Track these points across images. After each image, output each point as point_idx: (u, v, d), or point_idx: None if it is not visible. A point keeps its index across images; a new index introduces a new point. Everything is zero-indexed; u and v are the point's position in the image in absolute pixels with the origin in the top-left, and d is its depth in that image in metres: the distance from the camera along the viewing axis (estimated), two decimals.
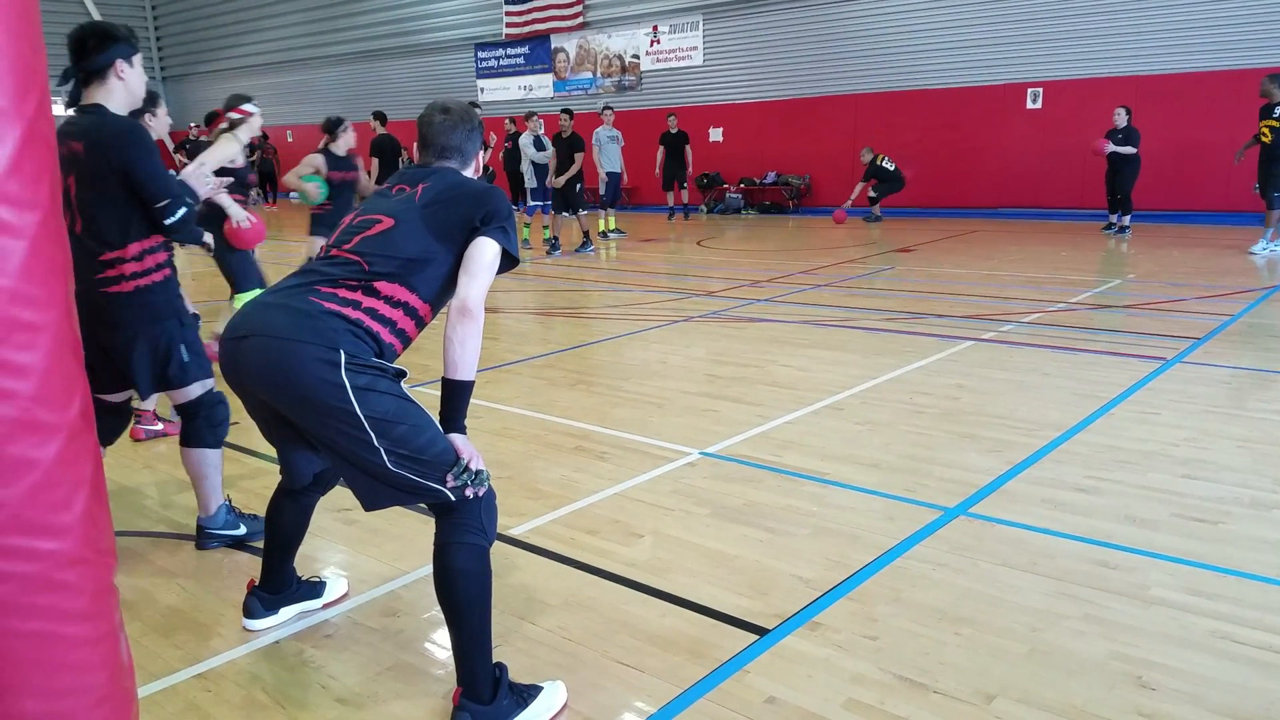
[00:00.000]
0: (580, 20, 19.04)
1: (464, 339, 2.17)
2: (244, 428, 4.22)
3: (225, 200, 5.04)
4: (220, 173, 4.45)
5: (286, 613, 2.78)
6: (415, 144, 2.52)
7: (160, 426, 4.66)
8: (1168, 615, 2.65)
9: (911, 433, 4.35)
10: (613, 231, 13.88)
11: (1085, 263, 9.76)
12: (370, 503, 2.23)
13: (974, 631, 2.60)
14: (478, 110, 9.01)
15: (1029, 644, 2.53)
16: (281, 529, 2.67)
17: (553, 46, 19.84)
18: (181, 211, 2.98)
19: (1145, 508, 3.39)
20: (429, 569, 2.91)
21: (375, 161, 12.15)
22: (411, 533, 3.37)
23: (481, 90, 21.13)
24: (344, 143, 6.79)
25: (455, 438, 2.22)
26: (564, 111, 12.32)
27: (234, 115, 5.05)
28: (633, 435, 4.42)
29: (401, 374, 2.21)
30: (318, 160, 6.73)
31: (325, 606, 2.85)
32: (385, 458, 2.09)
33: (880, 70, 15.67)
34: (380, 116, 12.63)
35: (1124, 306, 7.21)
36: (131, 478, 4.10)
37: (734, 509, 3.51)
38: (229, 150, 4.78)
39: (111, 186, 2.88)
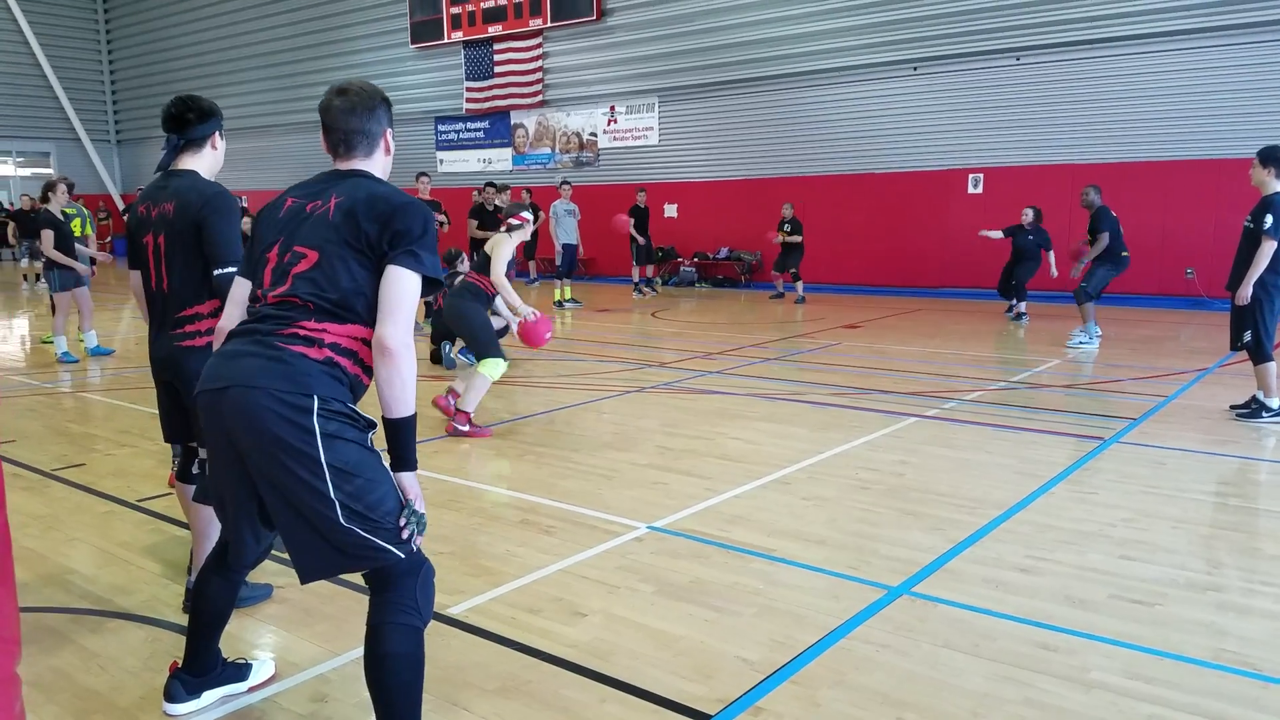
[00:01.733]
0: (540, 98, 19.45)
1: (390, 379, 2.12)
2: None
3: (513, 299, 5.82)
4: None
5: (209, 696, 2.65)
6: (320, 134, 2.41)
7: None
8: (1107, 700, 2.65)
9: (857, 509, 4.37)
10: (568, 301, 13.95)
11: (1025, 342, 10.04)
12: (308, 571, 2.20)
13: (916, 716, 2.58)
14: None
15: None
16: (209, 606, 2.56)
17: (512, 122, 20.19)
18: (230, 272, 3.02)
19: (1084, 588, 3.42)
20: (360, 652, 2.83)
21: None
22: (344, 612, 3.26)
23: (441, 161, 21.36)
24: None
25: (404, 477, 2.22)
26: (489, 185, 12.65)
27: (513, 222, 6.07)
28: (580, 508, 4.37)
29: (371, 425, 2.22)
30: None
31: (251, 690, 2.73)
32: (338, 511, 2.08)
33: (829, 154, 16.21)
34: None
35: (1063, 386, 7.40)
36: (58, 550, 3.93)
37: (680, 586, 3.47)
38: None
39: (192, 246, 3.04)
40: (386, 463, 2.23)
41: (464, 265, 8.44)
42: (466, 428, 5.77)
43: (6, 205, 23.33)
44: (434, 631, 3.07)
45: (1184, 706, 2.61)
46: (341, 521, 2.09)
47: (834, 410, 6.52)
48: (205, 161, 3.21)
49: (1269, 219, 5.78)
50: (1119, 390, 7.24)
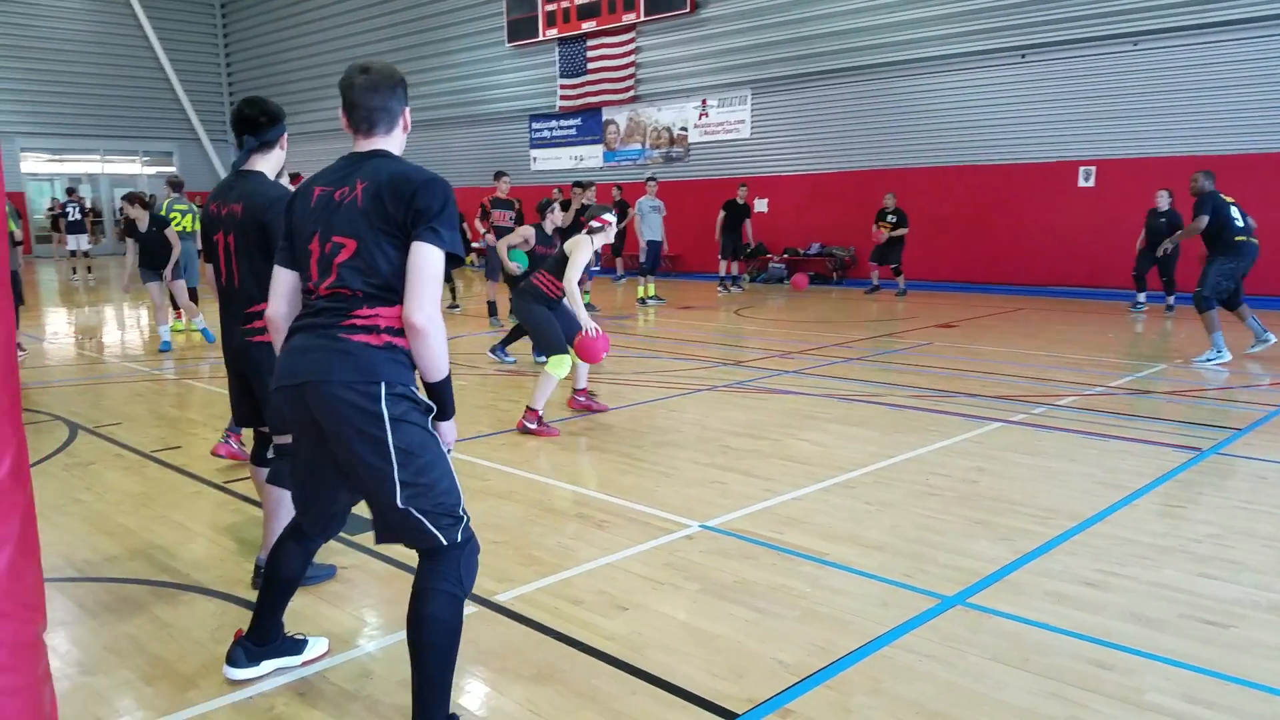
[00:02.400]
0: (632, 94, 19.57)
1: (422, 353, 2.29)
2: None
3: (580, 311, 5.77)
4: None
5: (267, 666, 2.79)
6: (341, 110, 2.47)
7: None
8: None
9: (921, 515, 4.24)
10: (651, 298, 14.00)
11: (1132, 345, 9.53)
12: (381, 535, 2.41)
13: None
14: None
15: None
16: (284, 573, 2.71)
17: (604, 118, 20.37)
18: None
19: (1154, 606, 3.24)
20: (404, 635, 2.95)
21: None
22: (399, 594, 3.35)
23: (534, 159, 21.74)
24: (550, 222, 7.95)
25: (443, 425, 2.43)
26: (577, 184, 12.81)
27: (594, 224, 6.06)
28: (635, 504, 4.39)
29: (430, 409, 2.37)
30: (529, 233, 7.73)
31: (304, 664, 2.86)
32: (399, 491, 2.26)
33: (928, 145, 15.73)
34: None
35: (1166, 393, 6.99)
36: (147, 526, 4.20)
37: (724, 586, 3.45)
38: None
39: (258, 245, 3.22)
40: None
41: (555, 214, 8.34)
42: (534, 425, 5.84)
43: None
44: (479, 616, 3.18)
45: None
46: (399, 503, 2.27)
47: (912, 413, 6.35)
48: (272, 162, 3.41)
49: None
50: (1229, 398, 6.79)
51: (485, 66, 22.42)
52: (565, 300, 6.01)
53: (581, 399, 6.47)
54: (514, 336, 8.61)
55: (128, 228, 9.41)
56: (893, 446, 5.43)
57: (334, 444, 2.32)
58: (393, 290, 2.31)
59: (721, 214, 15.18)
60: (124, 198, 10.02)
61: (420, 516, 2.28)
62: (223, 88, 31.22)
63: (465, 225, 18.41)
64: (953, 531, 4.03)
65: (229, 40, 31.12)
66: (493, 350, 8.67)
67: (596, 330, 5.80)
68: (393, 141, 2.47)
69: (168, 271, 9.45)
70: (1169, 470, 4.89)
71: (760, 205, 17.88)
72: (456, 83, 23.08)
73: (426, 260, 2.25)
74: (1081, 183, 14.27)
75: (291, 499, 2.64)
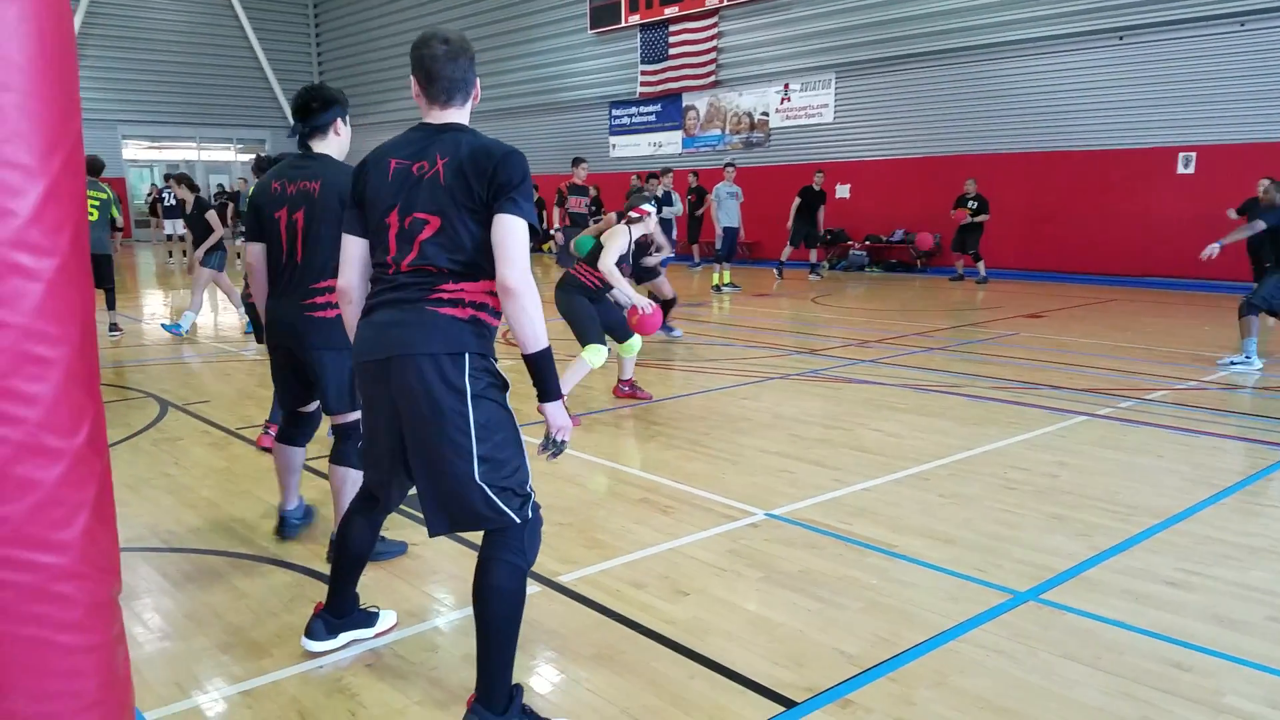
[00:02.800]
0: (713, 79, 19.43)
1: (518, 316, 2.27)
2: None
3: (626, 289, 5.90)
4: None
5: (343, 638, 2.88)
6: (414, 77, 2.42)
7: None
8: None
9: (997, 509, 4.13)
10: (727, 285, 13.92)
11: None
12: (436, 525, 2.39)
13: None
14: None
15: None
16: (355, 546, 2.77)
17: (684, 104, 20.30)
18: None
19: (1238, 608, 3.09)
20: (471, 609, 3.01)
21: None
22: (466, 572, 3.39)
23: (614, 146, 21.83)
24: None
25: (548, 407, 2.41)
26: (667, 170, 12.74)
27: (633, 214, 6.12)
28: (701, 491, 4.39)
29: (508, 385, 2.41)
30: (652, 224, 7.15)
31: (376, 636, 2.96)
32: (475, 465, 2.28)
33: (1018, 130, 15.20)
34: None
35: (1263, 388, 6.62)
36: (229, 500, 4.39)
37: (788, 575, 3.43)
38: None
39: (336, 222, 3.22)
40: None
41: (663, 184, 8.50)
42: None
43: (228, 188, 25.92)
44: (542, 595, 3.23)
45: None
46: (476, 477, 2.28)
47: (993, 405, 6.17)
48: (334, 146, 3.48)
49: None
50: None
51: (567, 54, 22.58)
52: (615, 290, 6.01)
53: (626, 388, 6.48)
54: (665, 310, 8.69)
55: (167, 208, 9.00)
56: (970, 439, 5.29)
57: (411, 420, 2.32)
58: (477, 266, 2.33)
59: (797, 200, 14.96)
60: (171, 178, 9.91)
61: (492, 494, 2.30)
62: (314, 77, 32.21)
63: (544, 212, 18.74)
64: (1029, 526, 3.91)
65: (320, 30, 32.09)
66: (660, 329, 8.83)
67: (650, 306, 5.92)
68: (465, 113, 2.46)
69: (199, 253, 9.35)
70: (1262, 469, 4.65)
71: (842, 191, 17.57)
72: (538, 70, 23.31)
73: (512, 228, 2.27)
74: (1180, 169, 13.59)
75: (364, 477, 2.68)
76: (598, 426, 5.73)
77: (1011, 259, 14.96)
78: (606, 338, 5.98)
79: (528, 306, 2.25)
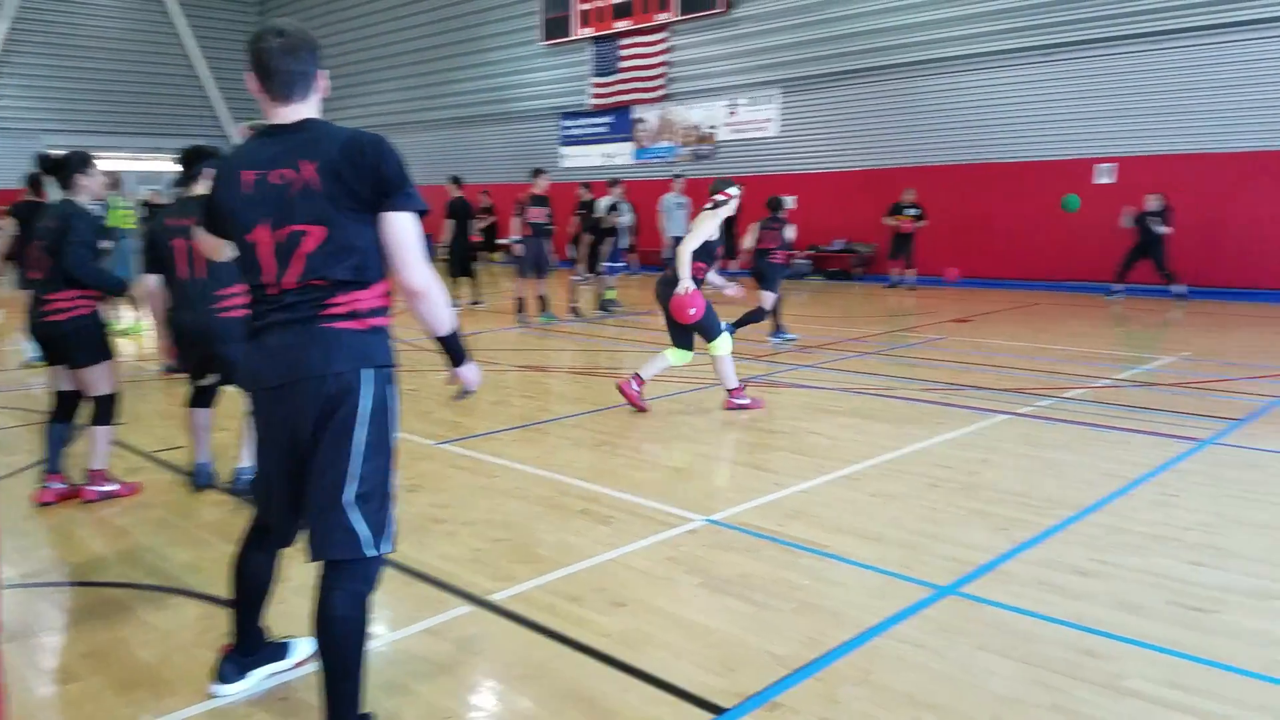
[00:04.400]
0: (663, 92, 19.68)
1: (427, 314, 2.34)
2: None
3: (683, 271, 6.09)
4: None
5: (256, 675, 2.74)
6: (252, 73, 2.30)
7: (115, 486, 4.61)
8: (1139, 708, 2.58)
9: (923, 506, 4.32)
10: None
11: (1143, 339, 9.49)
12: (315, 552, 2.31)
13: (935, 718, 2.58)
14: None
15: None
16: (252, 582, 2.64)
17: (634, 116, 20.49)
18: None
19: (1142, 594, 3.30)
20: (398, 635, 3.02)
21: (450, 223, 12.71)
22: (385, 596, 3.34)
23: (565, 156, 21.91)
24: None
25: (462, 370, 2.55)
26: (582, 185, 12.88)
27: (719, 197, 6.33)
28: (642, 499, 4.49)
29: (397, 398, 2.40)
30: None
31: (295, 667, 2.84)
32: (351, 485, 2.26)
33: (951, 143, 15.71)
34: (456, 180, 13.24)
35: (1171, 385, 6.99)
36: (141, 527, 4.20)
37: (725, 579, 3.54)
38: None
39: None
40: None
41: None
42: (746, 400, 6.37)
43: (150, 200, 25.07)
44: (471, 617, 3.23)
45: (1219, 717, 2.51)
46: (348, 497, 2.25)
47: (923, 406, 6.40)
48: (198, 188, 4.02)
49: None
50: (1230, 390, 6.77)
51: (519, 64, 22.62)
52: (710, 274, 6.38)
53: (636, 386, 6.44)
54: (751, 318, 8.90)
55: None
56: (901, 439, 5.49)
57: (309, 443, 2.27)
58: (367, 269, 2.26)
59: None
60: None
61: (357, 520, 2.25)
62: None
63: (493, 220, 18.64)
64: (952, 522, 4.10)
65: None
66: (771, 335, 9.19)
67: (687, 288, 6.12)
68: (312, 107, 2.34)
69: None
70: (1167, 460, 4.93)
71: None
72: (489, 80, 23.31)
73: (405, 226, 2.23)
74: (1098, 180, 14.17)
75: (259, 510, 2.57)
76: (541, 438, 5.79)
77: (942, 265, 15.38)
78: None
79: (435, 302, 2.29)
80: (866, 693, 2.72)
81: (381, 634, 3.13)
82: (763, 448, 5.40)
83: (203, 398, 4.66)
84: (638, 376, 6.39)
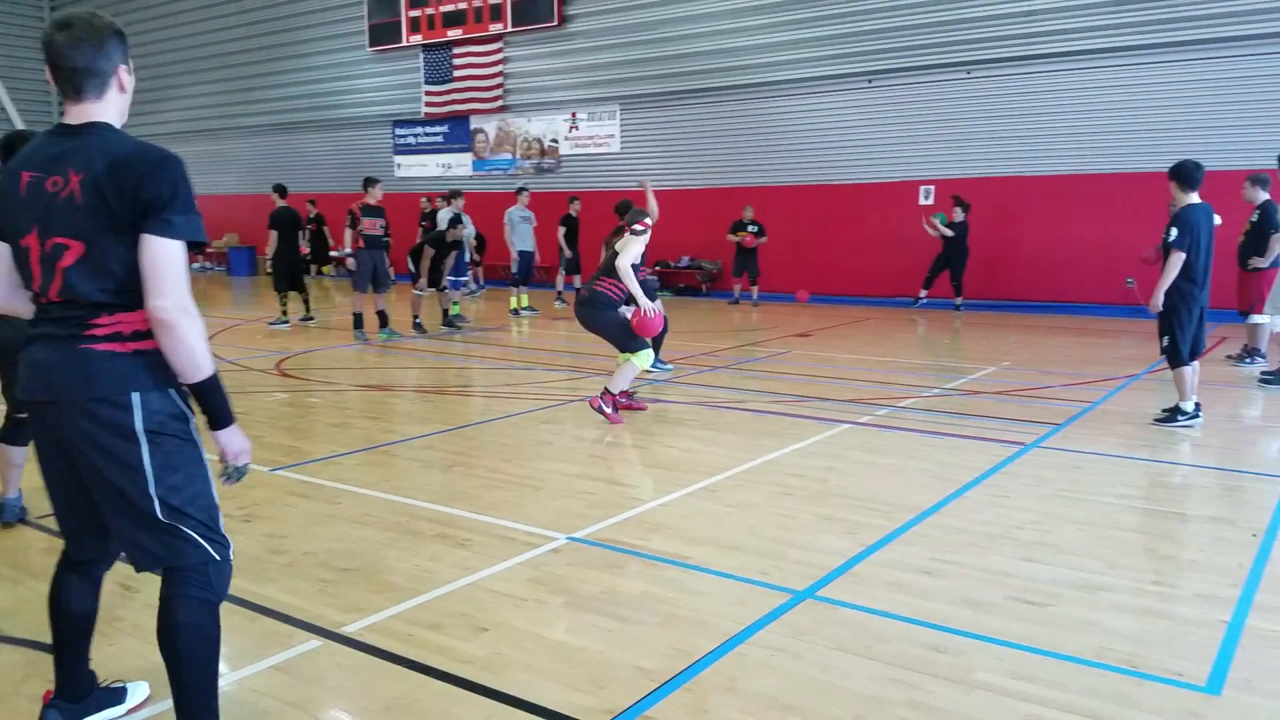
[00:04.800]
0: (500, 104, 19.46)
1: (173, 349, 2.11)
2: None
3: (637, 292, 6.31)
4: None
5: None
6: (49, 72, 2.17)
7: None
8: (987, 700, 2.72)
9: (777, 515, 4.42)
10: (525, 309, 13.94)
11: (967, 349, 10.21)
12: (140, 563, 2.27)
13: None
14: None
15: None
16: (71, 613, 2.45)
17: (472, 127, 20.17)
18: None
19: (982, 590, 3.50)
20: (243, 673, 2.82)
21: (273, 234, 12.07)
22: (233, 625, 3.19)
23: (399, 166, 21.28)
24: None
25: (220, 435, 2.28)
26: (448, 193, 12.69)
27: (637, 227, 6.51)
28: (501, 520, 4.37)
29: (188, 418, 2.26)
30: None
31: (130, 712, 2.64)
32: (156, 506, 2.17)
33: (786, 164, 16.37)
34: (280, 189, 12.60)
35: (995, 393, 7.54)
36: None
37: (589, 597, 3.49)
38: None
39: None
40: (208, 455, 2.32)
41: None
42: (610, 409, 6.30)
43: None
44: (322, 650, 3.06)
45: (1063, 705, 2.68)
46: (160, 517, 2.18)
47: (772, 418, 6.59)
48: None
49: (1174, 231, 5.95)
50: (1048, 396, 7.38)
51: (345, 70, 21.76)
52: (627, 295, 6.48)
53: (624, 399, 6.63)
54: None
55: None
56: (753, 450, 5.63)
57: (84, 466, 2.18)
58: (131, 293, 2.12)
59: (562, 229, 15.02)
60: None
61: (179, 534, 2.20)
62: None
63: (314, 233, 17.85)
64: (804, 528, 4.22)
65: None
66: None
67: (654, 310, 6.34)
68: (108, 107, 2.20)
69: None
70: (996, 463, 5.29)
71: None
72: (313, 86, 22.29)
73: (161, 252, 2.07)
74: (923, 200, 15.18)
75: (62, 533, 2.42)
76: (390, 460, 5.55)
77: (781, 283, 16.02)
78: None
79: (184, 338, 2.09)
80: (734, 700, 2.74)
81: (225, 673, 2.88)
82: (621, 463, 5.39)
83: (18, 433, 4.11)
84: (609, 395, 6.44)
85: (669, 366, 8.80)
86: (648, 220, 6.67)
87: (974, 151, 14.62)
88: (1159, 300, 6.07)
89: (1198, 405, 6.21)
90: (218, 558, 2.26)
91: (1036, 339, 10.93)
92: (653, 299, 6.61)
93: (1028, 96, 14.03)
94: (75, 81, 2.14)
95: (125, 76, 2.23)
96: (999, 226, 14.46)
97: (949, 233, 13.63)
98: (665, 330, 7.80)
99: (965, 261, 13.83)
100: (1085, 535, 4.10)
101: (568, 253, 14.92)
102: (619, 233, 6.85)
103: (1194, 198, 6.06)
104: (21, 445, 4.15)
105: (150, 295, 2.08)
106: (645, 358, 6.38)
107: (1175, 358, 6.13)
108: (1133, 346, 10.13)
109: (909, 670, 2.89)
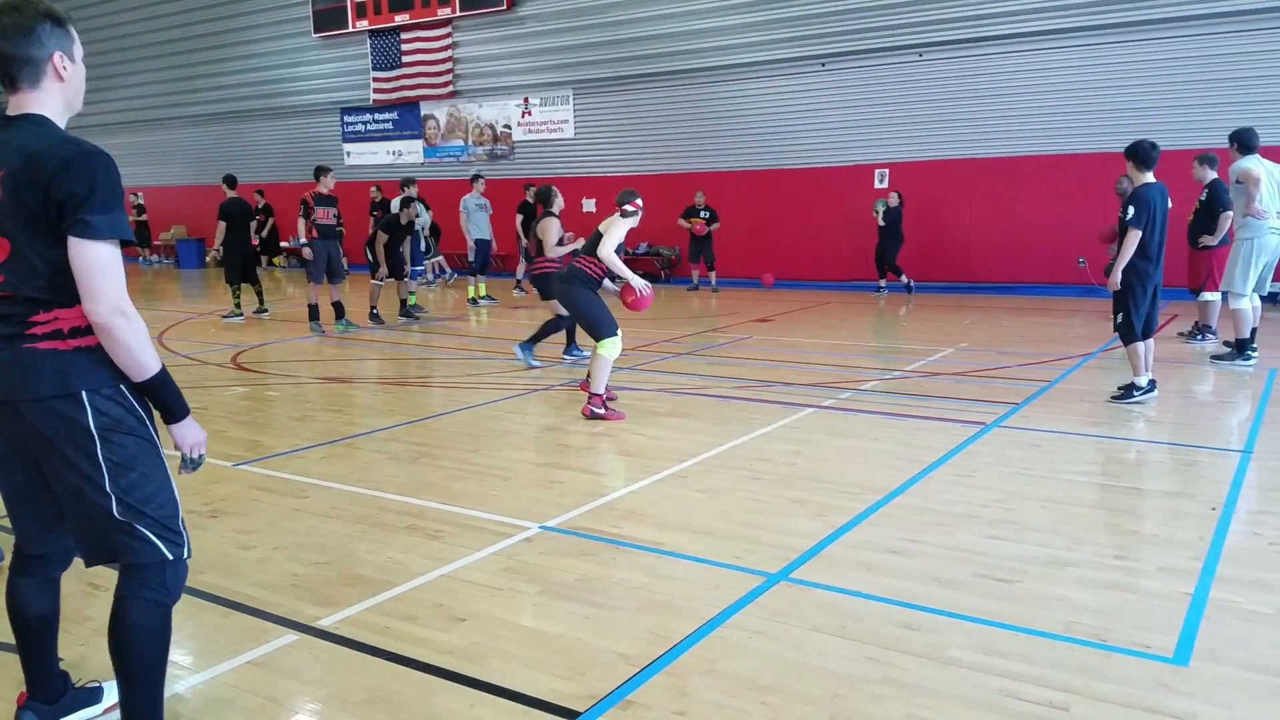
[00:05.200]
0: (451, 89, 19.20)
1: (116, 351, 2.09)
2: None
3: (624, 271, 6.25)
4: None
5: None
6: None
7: None
8: (961, 676, 2.77)
9: (747, 499, 4.46)
10: (483, 298, 13.83)
11: (925, 332, 10.36)
12: (90, 559, 2.27)
13: (780, 700, 2.65)
14: None
15: (829, 710, 2.60)
16: (30, 612, 2.41)
17: (422, 113, 19.89)
18: None
19: (951, 568, 3.57)
20: (219, 669, 2.79)
21: (222, 225, 11.83)
22: (206, 629, 3.17)
23: (348, 154, 20.93)
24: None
25: (175, 429, 2.28)
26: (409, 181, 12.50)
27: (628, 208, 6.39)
28: (471, 510, 4.35)
29: (141, 415, 2.22)
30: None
31: (107, 711, 2.61)
32: (113, 504, 2.15)
33: (742, 149, 16.41)
34: (230, 180, 12.34)
35: (954, 374, 7.66)
36: None
37: (565, 585, 3.49)
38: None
39: None
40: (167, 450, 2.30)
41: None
42: (602, 410, 6.13)
43: None
44: (298, 644, 3.04)
45: (1033, 679, 2.74)
46: (116, 515, 2.16)
47: (737, 403, 6.63)
48: None
49: (1130, 210, 6.10)
50: (1007, 376, 7.53)
51: (290, 57, 21.32)
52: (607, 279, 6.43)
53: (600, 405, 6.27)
54: (545, 333, 8.29)
55: None
56: (720, 436, 5.65)
57: (45, 461, 2.17)
58: (62, 290, 2.08)
59: (520, 216, 14.94)
60: None
61: (134, 532, 2.17)
62: None
63: (272, 222, 17.47)
64: (775, 512, 4.26)
65: None
66: (522, 347, 8.26)
67: (648, 287, 6.34)
68: (44, 97, 2.13)
69: None
70: (959, 443, 5.38)
71: (588, 205, 18.04)
72: (258, 73, 21.82)
73: (86, 254, 2.01)
74: (877, 184, 15.34)
75: (14, 532, 2.38)
76: (354, 453, 5.48)
77: (738, 268, 16.10)
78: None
79: (124, 339, 2.06)
80: (714, 682, 2.76)
81: (200, 669, 2.90)
82: (589, 451, 5.39)
83: None
84: (596, 397, 6.20)
85: (585, 353, 8.54)
86: (639, 201, 6.47)
87: (928, 134, 14.79)
88: (1117, 278, 6.22)
89: (1152, 381, 6.39)
90: (171, 557, 2.23)
91: (992, 320, 11.14)
92: (599, 287, 6.50)
93: (980, 79, 14.23)
94: (8, 70, 2.09)
95: (63, 65, 2.14)
96: (952, 209, 14.69)
97: (882, 221, 13.82)
98: (574, 320, 7.55)
99: (899, 247, 14.02)
100: (1048, 512, 4.20)
101: (524, 241, 14.79)
102: (541, 219, 7.02)
103: (1149, 177, 6.21)
104: None
105: (84, 299, 2.05)
106: (613, 347, 6.29)
107: (1129, 334, 6.29)
108: (1086, 325, 10.37)
109: (884, 649, 2.94)
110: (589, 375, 6.29)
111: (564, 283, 6.43)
